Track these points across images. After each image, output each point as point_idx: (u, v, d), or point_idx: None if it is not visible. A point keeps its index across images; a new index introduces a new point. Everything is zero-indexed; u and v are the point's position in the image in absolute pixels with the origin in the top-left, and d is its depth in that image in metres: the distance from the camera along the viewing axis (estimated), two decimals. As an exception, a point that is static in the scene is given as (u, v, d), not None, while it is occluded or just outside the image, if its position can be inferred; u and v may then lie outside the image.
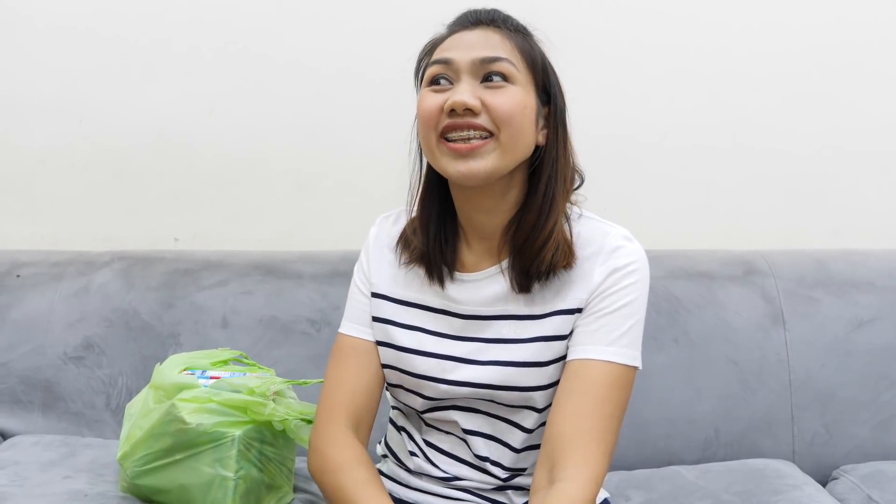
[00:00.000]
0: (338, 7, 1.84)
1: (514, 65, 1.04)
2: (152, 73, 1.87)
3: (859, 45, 1.84)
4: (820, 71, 1.84)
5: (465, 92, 1.02)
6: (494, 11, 1.09)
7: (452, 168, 1.04)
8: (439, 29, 1.12)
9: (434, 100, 1.04)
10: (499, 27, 1.06)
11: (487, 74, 1.03)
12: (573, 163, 1.11)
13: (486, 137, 1.02)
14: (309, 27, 1.85)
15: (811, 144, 1.86)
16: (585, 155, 1.14)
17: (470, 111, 1.02)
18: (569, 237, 1.08)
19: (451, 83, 1.05)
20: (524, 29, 1.10)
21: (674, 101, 1.85)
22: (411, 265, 1.15)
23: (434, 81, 1.06)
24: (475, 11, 1.09)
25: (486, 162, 1.02)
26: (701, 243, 1.82)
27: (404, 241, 1.16)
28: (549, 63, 1.10)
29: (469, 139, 1.02)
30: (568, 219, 1.10)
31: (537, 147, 1.08)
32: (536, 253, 1.06)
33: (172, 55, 1.86)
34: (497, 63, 1.03)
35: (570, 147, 1.11)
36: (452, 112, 1.02)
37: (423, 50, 1.12)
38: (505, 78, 1.03)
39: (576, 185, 1.12)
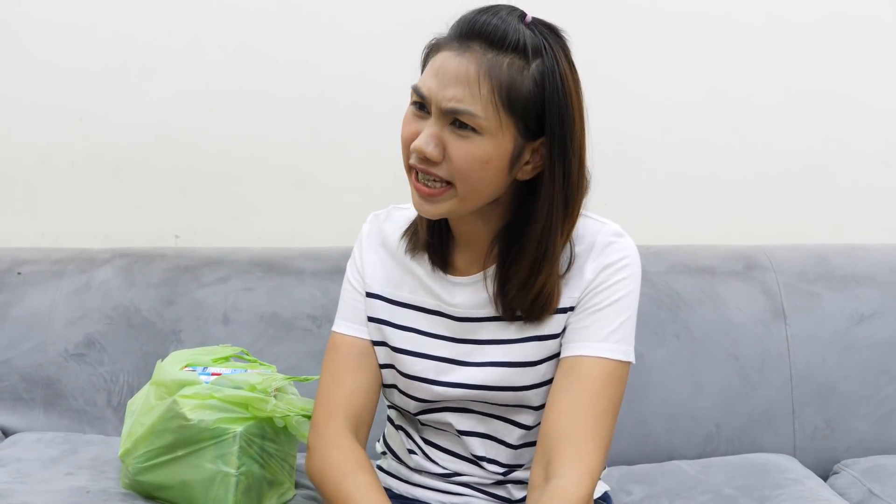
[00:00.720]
0: (339, 6, 1.84)
1: (480, 117, 0.97)
2: (152, 71, 1.87)
3: (860, 41, 1.84)
4: (821, 66, 1.84)
5: (428, 139, 0.99)
6: (500, 23, 0.98)
7: (416, 203, 1.04)
8: (443, 27, 1.06)
9: (411, 127, 1.02)
10: (490, 50, 0.98)
11: (454, 121, 0.99)
12: (579, 190, 1.04)
13: (444, 185, 1.00)
14: (310, 26, 1.85)
15: (812, 139, 1.86)
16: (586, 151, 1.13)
17: (429, 160, 0.99)
18: (558, 279, 1.06)
19: (428, 113, 1.01)
20: (524, 49, 0.98)
21: (674, 97, 1.85)
22: (416, 252, 1.14)
23: (415, 104, 1.03)
24: (479, 21, 0.99)
25: (443, 207, 1.02)
26: (702, 238, 1.81)
27: (414, 228, 1.15)
28: (543, 92, 0.99)
29: (433, 182, 1.01)
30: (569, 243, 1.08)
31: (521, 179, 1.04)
32: (531, 303, 1.05)
33: (172, 53, 1.86)
34: (462, 115, 0.97)
35: (574, 177, 1.02)
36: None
37: (426, 47, 1.06)
38: (473, 129, 0.98)
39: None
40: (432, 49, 1.04)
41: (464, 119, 0.98)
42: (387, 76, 1.81)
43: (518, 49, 0.98)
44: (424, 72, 1.03)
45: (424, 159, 1.00)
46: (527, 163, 1.02)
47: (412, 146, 1.00)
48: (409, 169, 1.03)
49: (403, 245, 1.15)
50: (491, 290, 1.08)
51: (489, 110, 0.97)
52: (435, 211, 1.02)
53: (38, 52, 1.87)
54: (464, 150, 0.98)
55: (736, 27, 1.83)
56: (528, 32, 0.99)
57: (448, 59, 0.99)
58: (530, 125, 1.00)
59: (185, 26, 1.85)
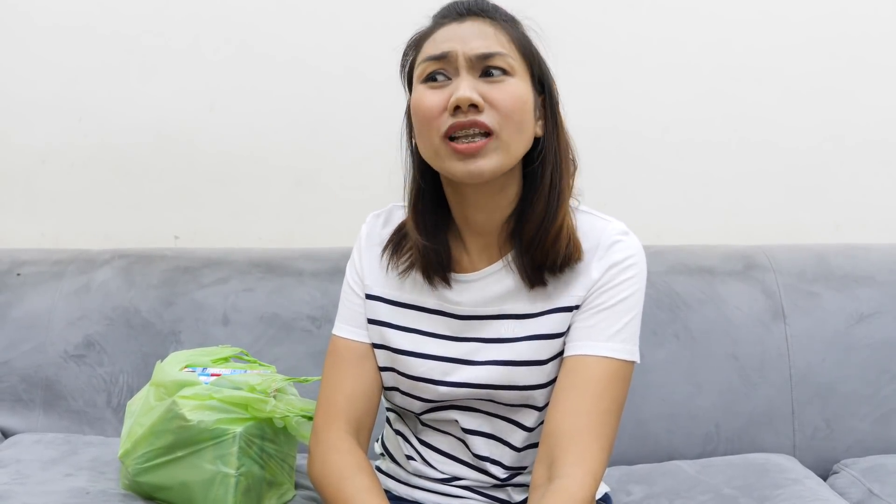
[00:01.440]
0: (338, 4, 1.84)
1: (511, 57, 1.02)
2: (152, 71, 1.87)
3: (859, 39, 1.84)
4: (820, 64, 1.84)
5: (469, 88, 0.99)
6: (480, 1, 1.06)
7: (459, 169, 1.01)
8: (424, 21, 1.09)
9: (434, 98, 1.01)
10: (488, 17, 1.04)
11: (486, 69, 1.01)
12: (571, 149, 1.09)
13: (487, 136, 1.00)
14: (309, 24, 1.85)
15: (812, 138, 1.86)
16: (585, 150, 1.13)
17: (474, 107, 0.99)
18: (574, 228, 1.08)
19: (449, 78, 1.02)
20: (513, 18, 1.07)
21: (674, 96, 1.85)
22: (409, 272, 1.13)
23: (430, 78, 1.03)
24: (462, 2, 1.06)
25: (490, 161, 1.00)
26: (701, 238, 1.82)
27: (396, 243, 1.14)
28: (539, 51, 1.07)
29: (473, 138, 1.00)
30: (572, 209, 1.09)
31: (535, 139, 1.07)
32: (550, 247, 1.05)
33: (172, 52, 1.86)
34: (495, 58, 1.01)
35: (566, 133, 1.09)
36: (457, 110, 0.99)
37: (409, 44, 1.09)
38: (504, 72, 1.01)
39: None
40: (421, 38, 1.07)
41: (496, 62, 1.01)
42: (387, 76, 1.80)
43: (507, 19, 1.06)
44: (426, 47, 1.04)
45: (469, 109, 0.99)
46: (539, 118, 1.06)
47: (452, 101, 0.99)
48: (446, 137, 1.01)
49: (389, 261, 1.14)
50: (518, 270, 1.08)
51: (514, 53, 1.03)
52: (485, 165, 1.00)
53: (38, 52, 1.88)
54: (504, 91, 1.01)
55: (735, 26, 1.83)
56: (502, 10, 1.07)
57: (453, 28, 1.04)
58: (540, 77, 1.07)
59: (185, 26, 1.85)
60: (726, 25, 1.83)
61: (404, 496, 1.19)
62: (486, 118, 1.00)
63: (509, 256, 1.09)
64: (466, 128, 1.00)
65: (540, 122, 1.07)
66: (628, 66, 1.84)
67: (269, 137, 1.88)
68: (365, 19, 1.84)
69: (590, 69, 1.83)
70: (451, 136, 1.01)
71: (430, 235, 1.10)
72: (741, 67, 1.84)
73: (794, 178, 1.86)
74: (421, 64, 1.04)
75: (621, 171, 1.85)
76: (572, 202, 1.10)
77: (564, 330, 1.07)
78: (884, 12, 1.83)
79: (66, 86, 1.88)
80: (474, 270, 1.11)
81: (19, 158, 1.90)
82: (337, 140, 1.87)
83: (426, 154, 1.06)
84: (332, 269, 1.65)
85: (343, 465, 1.08)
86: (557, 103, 1.08)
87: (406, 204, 1.13)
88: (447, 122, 1.00)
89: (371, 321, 1.15)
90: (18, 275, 1.70)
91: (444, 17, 1.06)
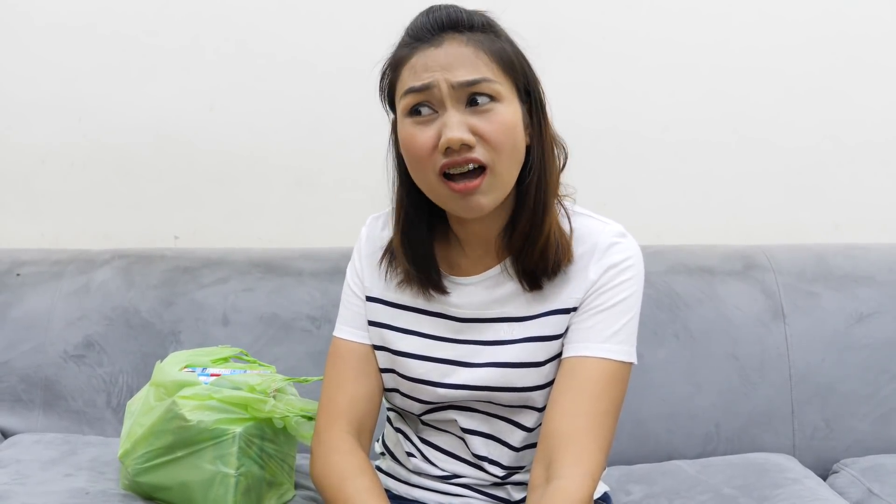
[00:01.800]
0: (337, 4, 1.84)
1: (496, 81, 0.99)
2: (152, 71, 1.87)
3: (859, 39, 1.84)
4: (819, 64, 1.84)
5: (458, 126, 0.98)
6: (454, 10, 1.02)
7: (458, 207, 1.02)
8: (400, 33, 1.06)
9: (424, 136, 1.00)
10: (464, 32, 1.01)
11: (472, 97, 0.99)
12: (556, 145, 1.08)
13: (481, 173, 1.00)
14: (308, 24, 1.85)
15: (811, 138, 1.86)
16: (585, 150, 1.13)
17: (466, 145, 0.98)
18: (566, 231, 1.07)
19: (434, 110, 1.00)
20: (489, 25, 1.03)
21: (674, 96, 1.85)
22: (403, 285, 1.13)
23: (415, 111, 1.01)
24: (434, 14, 1.02)
25: (487, 198, 1.01)
26: (701, 238, 1.82)
27: (392, 252, 1.14)
28: (518, 52, 1.04)
29: (469, 175, 0.99)
30: (566, 211, 1.09)
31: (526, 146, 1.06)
32: (539, 256, 1.05)
33: (172, 52, 1.86)
34: (480, 85, 0.98)
35: (551, 134, 1.07)
36: (448, 149, 0.99)
37: (386, 65, 1.07)
38: (491, 97, 0.99)
39: (560, 166, 1.09)
40: (398, 62, 1.04)
41: (482, 89, 0.98)
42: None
43: (484, 27, 1.02)
44: (405, 74, 1.02)
45: (461, 148, 0.98)
46: (527, 126, 1.05)
47: (444, 141, 0.98)
48: (441, 175, 1.00)
49: (386, 272, 1.14)
50: (515, 274, 1.08)
51: (497, 74, 1.00)
52: (484, 202, 1.01)
53: (38, 52, 1.88)
54: (493, 122, 0.99)
55: (735, 26, 1.83)
56: (477, 16, 1.03)
57: (431, 54, 1.00)
58: (524, 87, 1.04)
59: (185, 26, 1.85)
60: (726, 25, 1.83)
61: (404, 495, 1.19)
62: (479, 154, 0.99)
63: (507, 262, 1.09)
64: (460, 165, 0.99)
65: (528, 131, 1.05)
66: (628, 66, 1.84)
67: (269, 137, 1.88)
68: (364, 19, 1.84)
69: (590, 69, 1.82)
70: (445, 173, 1.00)
71: (419, 258, 1.10)
72: (741, 67, 1.84)
73: (794, 178, 1.86)
74: (404, 97, 1.02)
75: (621, 171, 1.85)
76: (567, 203, 1.10)
77: (562, 332, 1.07)
78: (883, 12, 1.83)
79: (66, 86, 1.88)
80: (473, 274, 1.11)
81: (19, 158, 1.90)
82: (337, 140, 1.87)
83: (423, 189, 1.06)
84: (332, 269, 1.65)
85: (344, 465, 1.08)
86: (543, 106, 1.06)
87: (392, 224, 1.13)
88: (440, 160, 1.00)
89: (371, 323, 1.15)
90: (18, 275, 1.70)
91: (419, 40, 1.02)
